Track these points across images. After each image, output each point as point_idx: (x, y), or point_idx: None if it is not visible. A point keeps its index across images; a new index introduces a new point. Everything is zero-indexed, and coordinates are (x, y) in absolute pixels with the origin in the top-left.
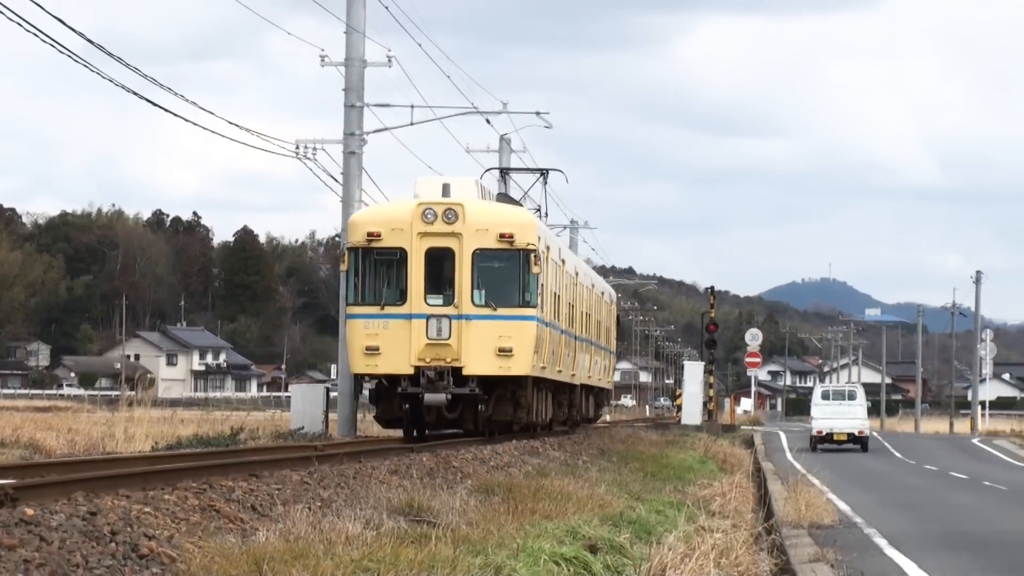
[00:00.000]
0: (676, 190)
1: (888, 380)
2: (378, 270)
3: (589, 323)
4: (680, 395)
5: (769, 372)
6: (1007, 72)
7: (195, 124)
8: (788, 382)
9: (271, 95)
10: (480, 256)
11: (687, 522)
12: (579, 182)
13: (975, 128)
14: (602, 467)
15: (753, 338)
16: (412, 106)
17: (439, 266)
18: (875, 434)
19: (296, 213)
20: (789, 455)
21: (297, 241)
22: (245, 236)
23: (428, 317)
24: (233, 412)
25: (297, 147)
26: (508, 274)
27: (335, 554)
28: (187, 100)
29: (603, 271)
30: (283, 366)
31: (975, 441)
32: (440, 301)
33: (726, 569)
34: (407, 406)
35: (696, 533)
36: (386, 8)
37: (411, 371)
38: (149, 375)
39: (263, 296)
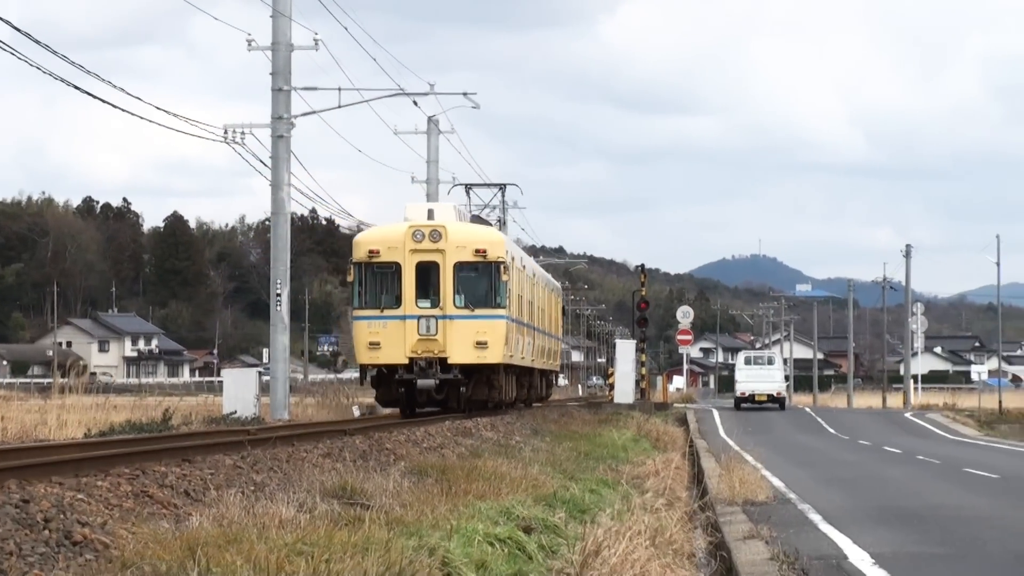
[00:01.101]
0: (605, 168)
1: (820, 355)
2: (378, 280)
3: (543, 316)
4: (612, 374)
5: (701, 349)
6: (934, 47)
7: (123, 110)
8: (720, 359)
9: (199, 80)
10: (460, 268)
11: (621, 501)
12: (507, 161)
13: (903, 103)
14: (535, 447)
15: (684, 316)
16: (340, 89)
17: (427, 276)
18: (808, 410)
19: (226, 198)
20: (722, 431)
21: (227, 226)
22: (175, 221)
23: (419, 318)
24: (166, 397)
25: (225, 132)
26: (483, 282)
27: (268, 538)
28: (115, 86)
29: (533, 251)
30: (215, 351)
31: (908, 415)
32: (428, 304)
33: (661, 547)
34: (403, 390)
35: (630, 512)
36: None
37: (406, 361)
38: (82, 362)
39: (194, 281)
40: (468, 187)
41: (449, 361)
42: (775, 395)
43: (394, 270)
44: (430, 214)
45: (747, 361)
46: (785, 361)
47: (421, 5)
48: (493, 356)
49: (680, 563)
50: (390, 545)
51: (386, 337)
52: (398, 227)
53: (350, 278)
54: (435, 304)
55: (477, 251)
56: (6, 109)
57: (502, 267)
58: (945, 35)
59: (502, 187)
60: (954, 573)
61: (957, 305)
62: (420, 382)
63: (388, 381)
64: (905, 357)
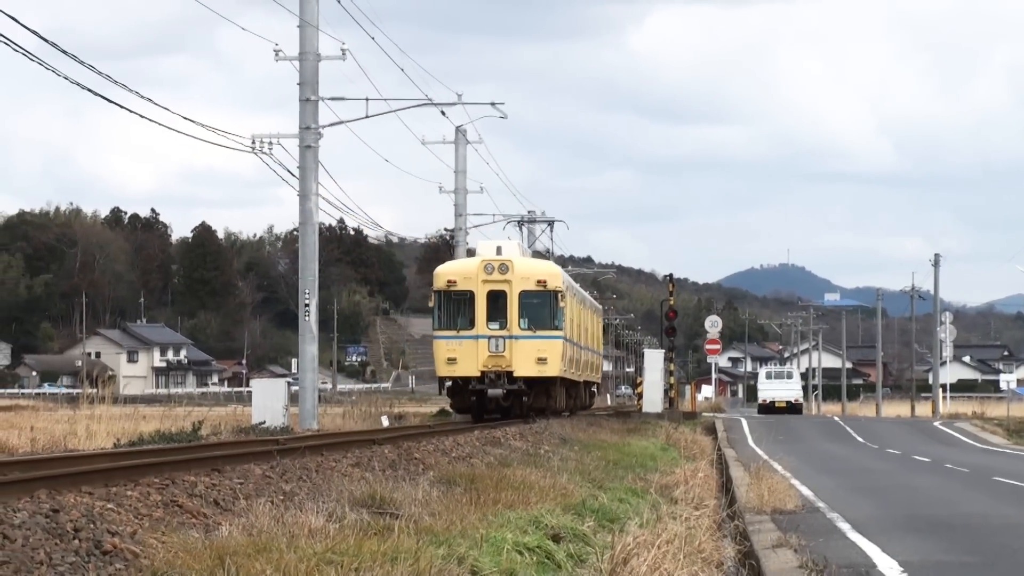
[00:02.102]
0: (632, 178)
1: (849, 364)
2: (454, 306)
3: (588, 335)
4: (641, 383)
5: (729, 359)
6: (961, 55)
7: (151, 120)
8: (748, 368)
9: (226, 90)
10: (524, 295)
11: (650, 510)
12: (534, 172)
13: (930, 111)
14: (564, 456)
15: (713, 325)
16: (367, 99)
17: (496, 303)
18: (837, 419)
19: (253, 208)
20: (751, 440)
21: (255, 236)
22: (203, 232)
23: (489, 338)
24: (195, 408)
25: (253, 142)
26: (543, 308)
27: (298, 547)
28: (142, 96)
29: (561, 261)
30: (244, 361)
31: (937, 424)
32: (497, 326)
33: (689, 556)
34: (474, 398)
35: (659, 521)
36: (338, 1)
37: (478, 374)
38: (110, 372)
39: (222, 291)
40: (520, 223)
41: (514, 374)
42: (792, 402)
43: (468, 297)
44: (498, 250)
45: (768, 376)
46: (803, 374)
47: (448, 15)
48: (551, 371)
49: (709, 572)
50: (419, 554)
51: (461, 354)
52: (472, 261)
53: (431, 303)
54: (503, 326)
55: (538, 282)
56: (33, 119)
57: (559, 295)
58: (972, 44)
59: (551, 222)
60: None
61: (986, 314)
62: (490, 392)
63: (463, 391)
64: (934, 366)
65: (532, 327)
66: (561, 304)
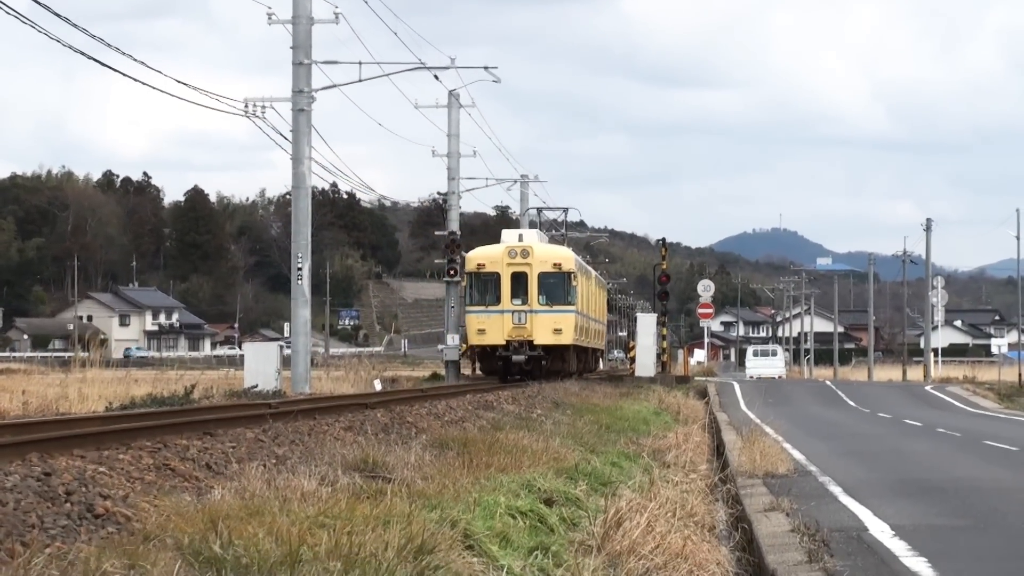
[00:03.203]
0: (625, 142)
1: (841, 329)
2: (483, 285)
3: (595, 307)
4: (633, 347)
5: (722, 323)
6: (955, 20)
7: (143, 84)
8: (741, 333)
9: (219, 53)
10: (542, 276)
11: (642, 474)
12: (528, 135)
13: (924, 76)
14: (556, 420)
15: (705, 289)
16: (360, 63)
17: (518, 282)
18: (828, 383)
19: (246, 171)
20: (743, 405)
21: (248, 199)
22: (196, 195)
23: (513, 312)
24: (187, 371)
25: (246, 105)
26: (559, 286)
27: (290, 511)
28: (135, 60)
29: (554, 225)
30: (236, 325)
31: (928, 388)
32: (520, 302)
33: (682, 520)
34: (500, 363)
35: (652, 484)
36: None
37: (504, 343)
38: (101, 335)
39: (215, 255)
40: (539, 210)
41: (535, 343)
42: (776, 378)
43: (495, 278)
44: (520, 237)
45: (755, 354)
46: (787, 349)
47: None
48: (566, 339)
49: (702, 535)
50: (412, 518)
51: (490, 325)
52: (498, 247)
53: (464, 283)
54: (524, 302)
55: (555, 264)
56: (25, 82)
57: (572, 276)
58: (966, 8)
59: (565, 210)
60: (974, 544)
61: (977, 279)
62: (514, 357)
63: (491, 357)
64: (925, 330)
65: (549, 303)
66: (574, 283)
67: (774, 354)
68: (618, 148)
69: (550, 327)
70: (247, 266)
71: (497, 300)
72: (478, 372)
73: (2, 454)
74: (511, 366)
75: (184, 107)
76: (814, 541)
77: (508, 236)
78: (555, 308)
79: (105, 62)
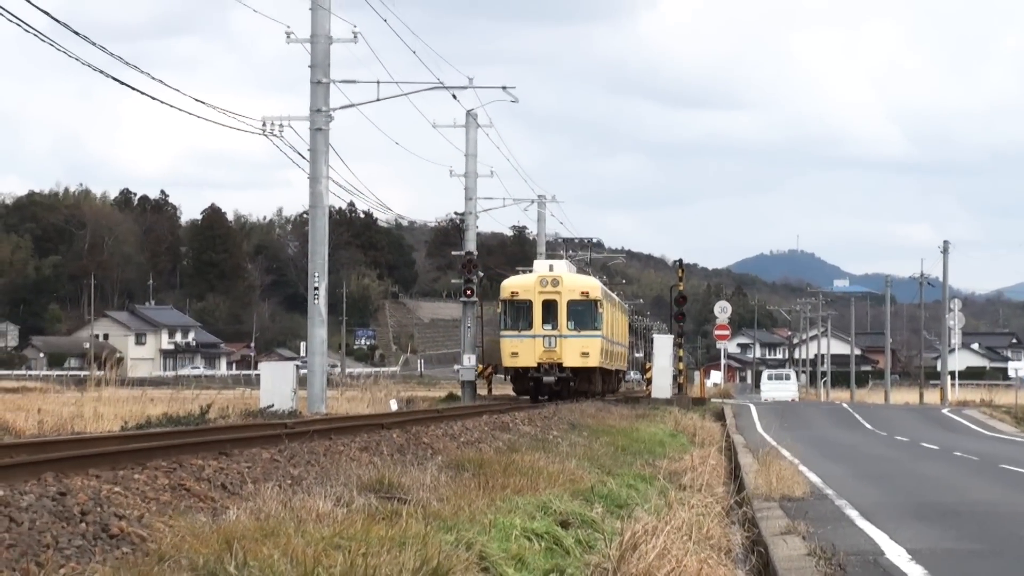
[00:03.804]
0: (643, 163)
1: (857, 351)
2: (517, 311)
3: (618, 331)
4: (650, 369)
5: (739, 345)
6: (971, 41)
7: (161, 102)
8: (758, 354)
9: (237, 72)
10: (571, 303)
11: (659, 496)
12: (545, 155)
13: (940, 98)
14: (573, 442)
15: (722, 311)
16: (378, 82)
17: (549, 309)
18: (845, 405)
19: (263, 190)
20: (759, 427)
21: (265, 218)
22: (213, 214)
23: (544, 336)
24: (203, 391)
25: (264, 124)
26: (586, 313)
27: (306, 532)
28: (153, 78)
29: (571, 245)
30: (252, 344)
31: (945, 411)
32: (550, 327)
33: (698, 542)
34: (532, 383)
35: (668, 507)
36: None
37: (535, 365)
38: (117, 354)
39: (231, 274)
40: (566, 240)
41: (563, 365)
42: (790, 400)
43: (528, 305)
44: (551, 267)
45: (769, 378)
46: (803, 371)
47: None
48: (592, 362)
49: (718, 558)
50: (427, 540)
51: (522, 349)
52: (530, 276)
53: (499, 310)
54: (555, 327)
55: (582, 292)
56: (43, 100)
57: (598, 303)
58: (982, 30)
59: (591, 241)
60: (991, 569)
61: (994, 301)
62: (545, 379)
63: (523, 378)
64: (942, 353)
65: (577, 328)
66: (600, 310)
67: (788, 378)
68: (635, 168)
69: (578, 350)
70: (263, 285)
71: (529, 325)
72: (494, 393)
73: (18, 473)
74: (542, 387)
75: (202, 125)
76: (830, 565)
77: (540, 266)
78: (583, 333)
79: (123, 80)
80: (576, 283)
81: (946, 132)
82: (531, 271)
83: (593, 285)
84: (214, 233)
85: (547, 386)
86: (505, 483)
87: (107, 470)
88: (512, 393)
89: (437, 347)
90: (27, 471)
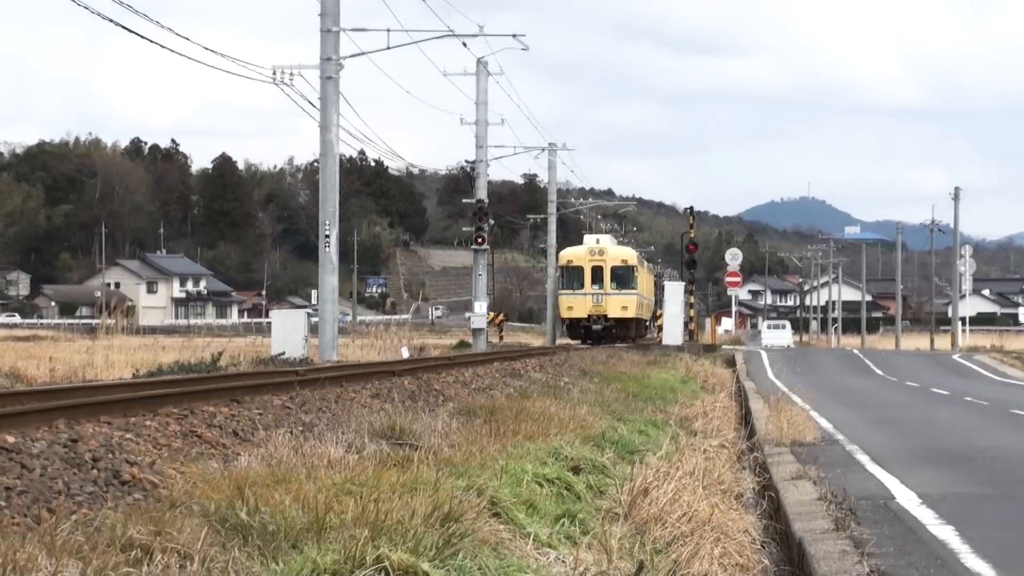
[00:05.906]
0: (654, 111)
1: (868, 298)
2: (571, 275)
3: (647, 289)
4: (661, 316)
5: (749, 291)
6: None
7: (171, 51)
8: (769, 301)
9: (247, 20)
10: (614, 269)
11: (670, 442)
12: (556, 103)
13: (954, 45)
14: (584, 388)
15: (733, 258)
16: (388, 30)
17: (597, 273)
18: (856, 351)
19: (274, 139)
20: (770, 373)
21: (276, 167)
22: (223, 163)
23: (592, 294)
24: (214, 339)
25: (274, 73)
26: (625, 276)
27: (317, 478)
28: (162, 26)
29: (582, 194)
30: (263, 292)
31: (956, 357)
32: (597, 287)
33: (709, 488)
34: (583, 330)
35: (679, 452)
36: None
37: (586, 316)
38: (129, 303)
39: (242, 223)
40: (603, 213)
41: (608, 316)
42: (786, 347)
43: (580, 270)
44: (597, 240)
45: (768, 327)
46: (795, 326)
47: None
48: (630, 314)
49: (728, 503)
50: (438, 485)
51: (576, 304)
52: (581, 248)
53: (557, 274)
54: (601, 287)
55: (623, 260)
56: (52, 50)
57: (635, 268)
58: None
59: (623, 215)
60: (1001, 513)
61: (1006, 247)
62: (593, 327)
63: (576, 326)
64: (953, 299)
65: (618, 288)
66: (636, 274)
67: (784, 327)
68: (646, 116)
69: (619, 305)
70: (275, 233)
71: (581, 286)
72: (505, 340)
73: (29, 420)
74: (591, 333)
75: (212, 74)
76: (841, 509)
77: (589, 240)
78: (622, 292)
79: (133, 28)
80: (618, 253)
81: (959, 78)
82: (582, 245)
83: (631, 254)
84: (225, 182)
85: (595, 332)
86: (516, 429)
87: (119, 417)
88: (522, 342)
89: (448, 295)
90: (38, 418)
